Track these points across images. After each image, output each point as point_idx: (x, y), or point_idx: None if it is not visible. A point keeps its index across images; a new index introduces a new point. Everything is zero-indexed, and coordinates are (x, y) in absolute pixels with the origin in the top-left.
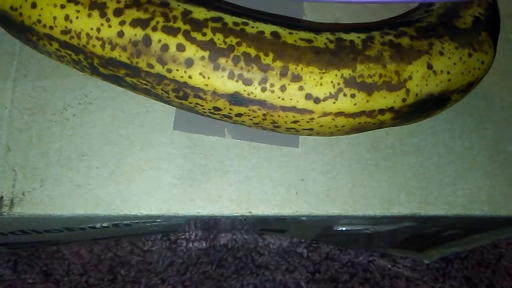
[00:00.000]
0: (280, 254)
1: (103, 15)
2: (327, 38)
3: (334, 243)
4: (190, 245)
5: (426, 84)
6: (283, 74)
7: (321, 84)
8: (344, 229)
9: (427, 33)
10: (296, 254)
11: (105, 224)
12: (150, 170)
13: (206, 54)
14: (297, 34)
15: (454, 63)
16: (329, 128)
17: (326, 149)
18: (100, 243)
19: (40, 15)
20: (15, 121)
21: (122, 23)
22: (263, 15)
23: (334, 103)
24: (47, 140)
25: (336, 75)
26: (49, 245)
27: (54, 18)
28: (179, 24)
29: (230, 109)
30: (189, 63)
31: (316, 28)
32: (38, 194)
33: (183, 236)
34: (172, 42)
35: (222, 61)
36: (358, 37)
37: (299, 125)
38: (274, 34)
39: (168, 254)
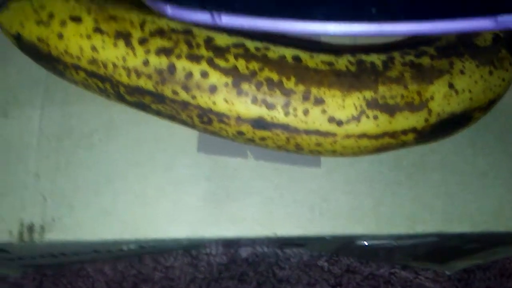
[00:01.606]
0: (301, 268)
1: (128, 44)
2: (348, 60)
3: (354, 256)
4: (211, 260)
5: (448, 104)
6: (305, 98)
7: (343, 107)
8: (366, 243)
9: (447, 52)
10: (317, 268)
11: (131, 246)
12: (175, 193)
13: (229, 80)
14: (318, 57)
15: (475, 82)
16: (352, 149)
17: (348, 168)
18: (123, 260)
19: (67, 46)
20: (43, 147)
21: (147, 52)
22: (283, 37)
23: (357, 125)
24: (75, 165)
25: (358, 97)
26: (74, 264)
27: (81, 48)
28: (202, 51)
29: (254, 133)
30: (213, 89)
31: (336, 49)
32: (68, 220)
33: (204, 252)
34: (196, 69)
35: (245, 86)
36: (379, 58)
37: (322, 147)
38: (296, 58)
39: (190, 270)
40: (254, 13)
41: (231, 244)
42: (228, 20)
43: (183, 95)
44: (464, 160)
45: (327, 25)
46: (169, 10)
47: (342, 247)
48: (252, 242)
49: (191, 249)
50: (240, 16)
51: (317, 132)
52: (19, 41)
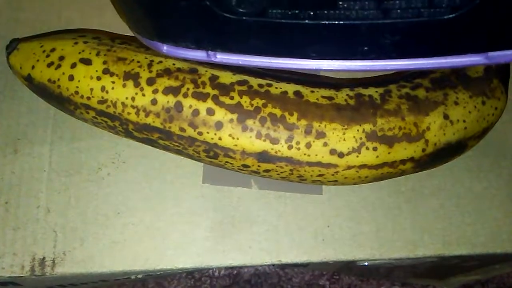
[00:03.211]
0: None
1: (137, 84)
2: (347, 94)
3: (355, 274)
4: (214, 283)
5: (444, 134)
6: (307, 132)
7: (344, 140)
8: (366, 264)
9: (441, 83)
10: (318, 287)
11: (139, 276)
12: (183, 224)
13: (234, 116)
14: (318, 92)
15: (469, 112)
16: (353, 179)
17: (349, 195)
18: (127, 285)
19: (77, 87)
20: (53, 183)
21: (155, 91)
22: (283, 72)
23: (357, 156)
24: (84, 199)
25: (358, 130)
26: None
27: (91, 89)
28: (208, 89)
29: (258, 166)
30: (219, 126)
31: (335, 83)
32: (79, 253)
33: (207, 274)
34: (202, 107)
35: (249, 122)
36: (376, 91)
37: (325, 178)
38: (297, 93)
39: None
40: (249, 52)
41: (233, 266)
42: (222, 57)
43: (190, 132)
44: (461, 184)
45: (321, 63)
46: (165, 48)
47: (344, 267)
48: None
49: (194, 272)
50: (235, 55)
51: (319, 164)
52: (30, 82)
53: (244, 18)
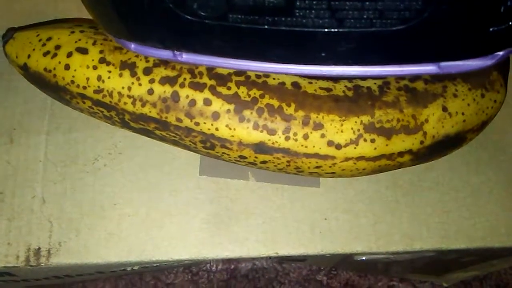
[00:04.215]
0: (300, 283)
1: (133, 74)
2: (345, 86)
3: (353, 269)
4: (212, 277)
5: (442, 126)
6: (305, 123)
7: (342, 131)
8: (364, 258)
9: (441, 76)
10: (316, 282)
11: (135, 268)
12: (179, 216)
13: (231, 107)
14: (316, 83)
15: (468, 104)
16: (351, 171)
17: (346, 188)
18: (124, 278)
19: (73, 76)
20: (49, 173)
21: (152, 81)
22: None
23: (355, 148)
24: (80, 190)
25: (355, 121)
26: (76, 282)
27: (87, 78)
28: (205, 79)
29: (255, 157)
30: (215, 116)
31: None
32: (74, 243)
33: (204, 268)
34: (199, 97)
35: (247, 113)
36: (375, 83)
37: (322, 170)
38: (295, 84)
39: (191, 287)
40: (213, 54)
41: (231, 260)
42: (188, 58)
43: (187, 122)
44: (459, 178)
45: (280, 66)
46: (133, 46)
47: (341, 261)
48: (252, 258)
49: (192, 265)
50: (200, 56)
51: (317, 156)
52: (26, 71)
53: (206, 21)
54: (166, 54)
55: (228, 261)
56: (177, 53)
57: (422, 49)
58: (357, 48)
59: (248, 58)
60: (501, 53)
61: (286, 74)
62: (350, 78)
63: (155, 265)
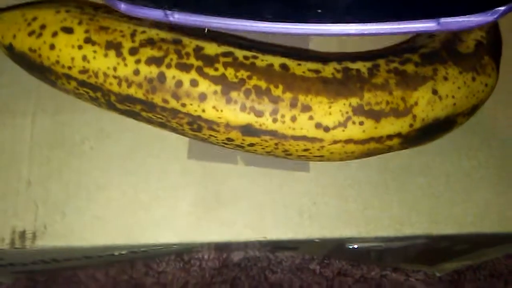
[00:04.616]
0: (293, 271)
1: (119, 54)
2: (334, 68)
3: (346, 258)
4: (204, 265)
5: (432, 109)
6: (293, 105)
7: (330, 113)
8: (356, 246)
9: (431, 59)
10: (309, 271)
11: (123, 252)
12: (166, 199)
13: (218, 88)
14: (305, 65)
15: (459, 88)
16: (339, 154)
17: (336, 172)
18: (115, 266)
19: (58, 56)
20: (35, 155)
21: (138, 61)
22: (271, 46)
23: (343, 131)
24: (67, 173)
25: (344, 104)
26: (66, 270)
27: (72, 58)
28: (192, 60)
29: (243, 139)
30: (202, 97)
31: (323, 57)
32: (60, 226)
33: (196, 256)
34: (186, 78)
35: (234, 94)
36: (364, 65)
37: (310, 153)
38: (283, 66)
39: (182, 275)
40: (206, 12)
41: (223, 249)
42: (180, 17)
43: (173, 103)
44: (450, 162)
45: (276, 25)
46: (123, 6)
47: (333, 250)
48: (244, 246)
49: (183, 253)
50: (192, 15)
51: (305, 138)
52: (11, 51)
53: None
54: (157, 14)
55: (220, 249)
56: (168, 12)
57: (422, 3)
58: (354, 3)
59: (243, 17)
60: (502, 8)
61: (282, 33)
62: (339, 60)
63: (143, 249)
